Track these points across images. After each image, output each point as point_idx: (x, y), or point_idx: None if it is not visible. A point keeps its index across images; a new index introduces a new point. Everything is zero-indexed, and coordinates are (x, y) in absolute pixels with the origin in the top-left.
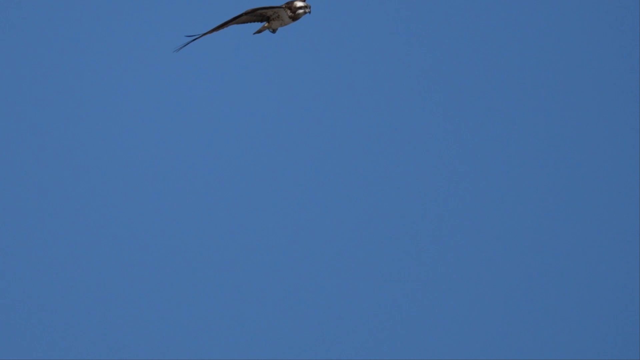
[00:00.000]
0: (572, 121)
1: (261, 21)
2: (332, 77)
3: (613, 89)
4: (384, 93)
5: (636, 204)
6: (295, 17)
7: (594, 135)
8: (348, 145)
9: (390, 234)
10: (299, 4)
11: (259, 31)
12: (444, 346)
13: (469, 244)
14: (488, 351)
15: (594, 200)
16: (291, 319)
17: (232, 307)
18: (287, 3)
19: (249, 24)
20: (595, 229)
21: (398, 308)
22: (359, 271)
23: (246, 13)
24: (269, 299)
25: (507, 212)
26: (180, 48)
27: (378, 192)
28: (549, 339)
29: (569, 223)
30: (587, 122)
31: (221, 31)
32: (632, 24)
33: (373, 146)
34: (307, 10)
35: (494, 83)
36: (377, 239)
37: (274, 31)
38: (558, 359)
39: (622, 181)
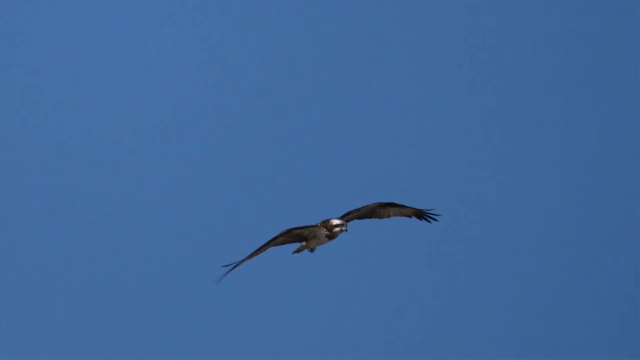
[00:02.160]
0: (572, 121)
1: (299, 241)
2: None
3: (613, 89)
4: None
5: (636, 204)
6: (332, 236)
7: (594, 135)
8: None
9: (388, 234)
10: (336, 222)
11: (298, 250)
12: (444, 346)
13: (469, 244)
14: (488, 351)
15: (594, 201)
16: (289, 317)
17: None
18: (323, 221)
19: (287, 245)
20: (595, 229)
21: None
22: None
23: (282, 234)
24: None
25: (507, 212)
26: (221, 279)
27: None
28: (548, 338)
29: (568, 223)
30: (587, 122)
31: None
32: (632, 24)
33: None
34: (343, 228)
35: (492, 83)
36: (375, 238)
37: (312, 250)
38: (558, 359)
39: (623, 181)
